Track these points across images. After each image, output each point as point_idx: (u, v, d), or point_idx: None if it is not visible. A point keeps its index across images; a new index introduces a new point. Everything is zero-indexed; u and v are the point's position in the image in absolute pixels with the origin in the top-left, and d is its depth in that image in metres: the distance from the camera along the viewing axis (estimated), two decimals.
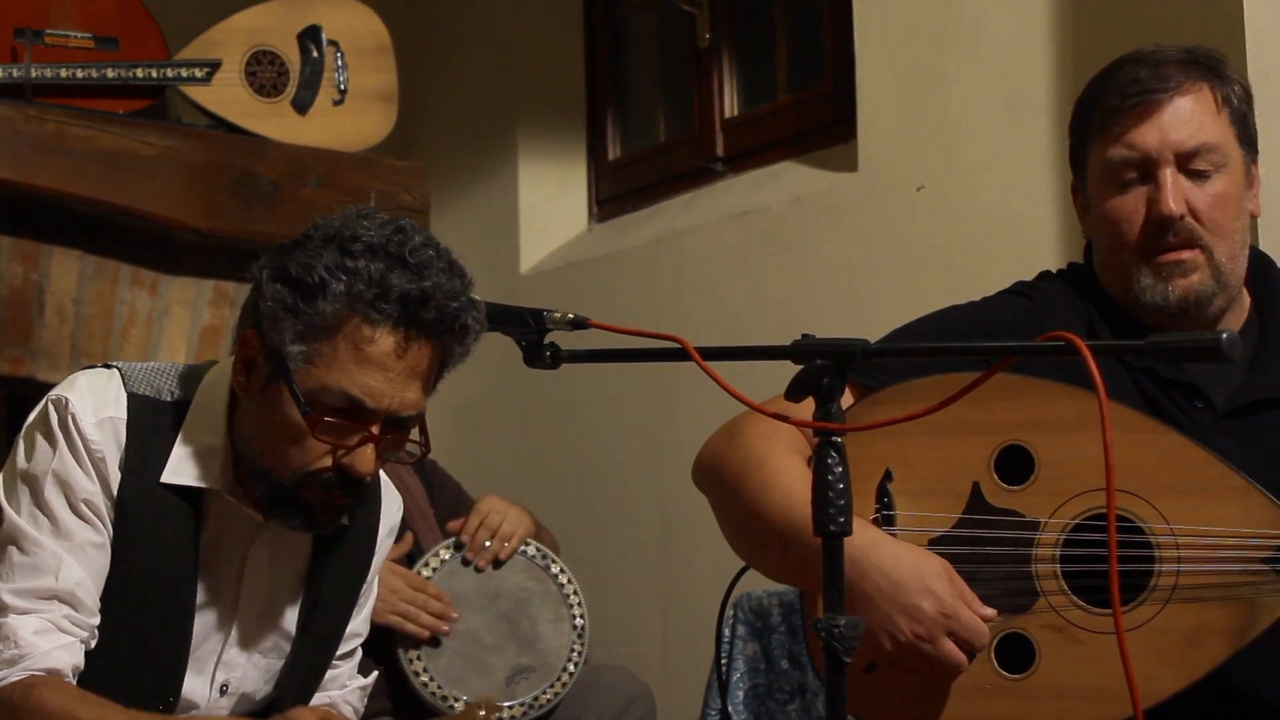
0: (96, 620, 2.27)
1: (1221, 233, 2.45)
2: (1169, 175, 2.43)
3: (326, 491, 2.25)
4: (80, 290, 4.37)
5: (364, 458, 2.22)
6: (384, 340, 2.18)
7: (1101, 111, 2.49)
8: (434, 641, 3.75)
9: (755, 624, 3.97)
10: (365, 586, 2.54)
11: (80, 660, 2.25)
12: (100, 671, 2.27)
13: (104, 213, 4.33)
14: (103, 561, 2.27)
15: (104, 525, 2.27)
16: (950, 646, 2.31)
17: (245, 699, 2.42)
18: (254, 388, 2.27)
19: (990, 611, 2.33)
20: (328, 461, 2.23)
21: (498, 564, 3.87)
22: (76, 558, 2.24)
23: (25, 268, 4.30)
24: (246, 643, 2.39)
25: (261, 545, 2.37)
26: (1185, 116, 2.44)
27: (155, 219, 4.38)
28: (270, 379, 2.23)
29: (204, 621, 2.34)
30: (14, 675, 2.20)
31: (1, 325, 4.25)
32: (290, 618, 2.43)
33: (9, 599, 2.23)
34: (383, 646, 3.73)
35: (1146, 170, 2.45)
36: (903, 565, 2.32)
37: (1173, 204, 2.42)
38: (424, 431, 2.31)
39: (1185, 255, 2.45)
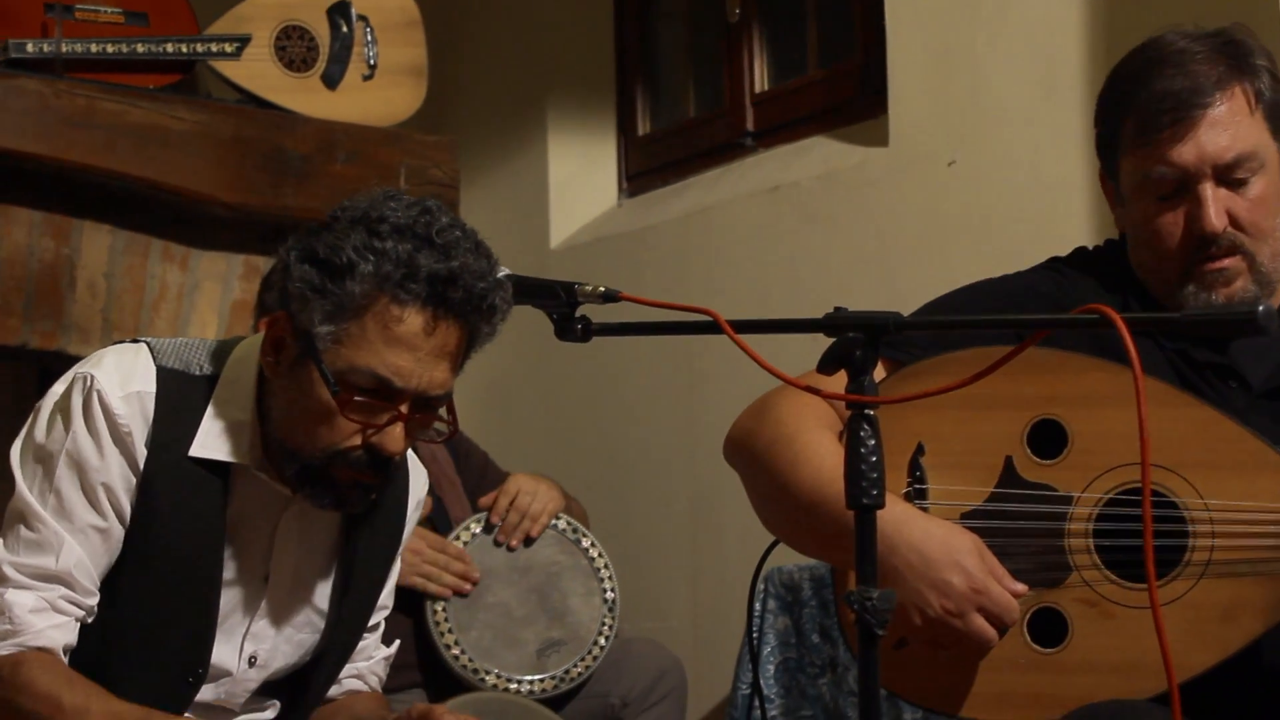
0: (94, 600, 2.28)
1: (1262, 235, 2.43)
2: (1209, 190, 2.40)
3: (356, 471, 2.26)
4: (111, 264, 4.38)
5: (393, 437, 2.23)
6: (412, 320, 2.19)
7: (1135, 123, 2.44)
8: (461, 597, 3.76)
9: (786, 598, 3.97)
10: (394, 559, 2.55)
11: (73, 639, 2.26)
12: (129, 641, 2.29)
13: (134, 187, 4.34)
14: (104, 546, 2.28)
15: (115, 510, 2.28)
16: (980, 622, 2.30)
17: (275, 672, 2.42)
18: (282, 368, 2.28)
19: (1020, 587, 2.32)
20: (357, 441, 2.23)
21: (528, 542, 3.88)
22: (78, 540, 2.25)
23: (56, 242, 4.31)
24: (276, 616, 2.40)
25: (290, 520, 2.37)
26: (1222, 128, 2.39)
27: (185, 194, 4.39)
28: (299, 359, 2.24)
29: (232, 594, 2.35)
30: (4, 650, 2.22)
31: (33, 299, 4.27)
32: (321, 593, 2.43)
33: (10, 572, 2.25)
34: (414, 618, 3.74)
35: (1185, 184, 2.41)
36: (932, 540, 2.31)
37: (1215, 221, 2.39)
38: (451, 411, 2.31)
39: (1228, 263, 2.42)
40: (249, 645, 2.39)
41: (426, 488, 2.60)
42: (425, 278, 2.17)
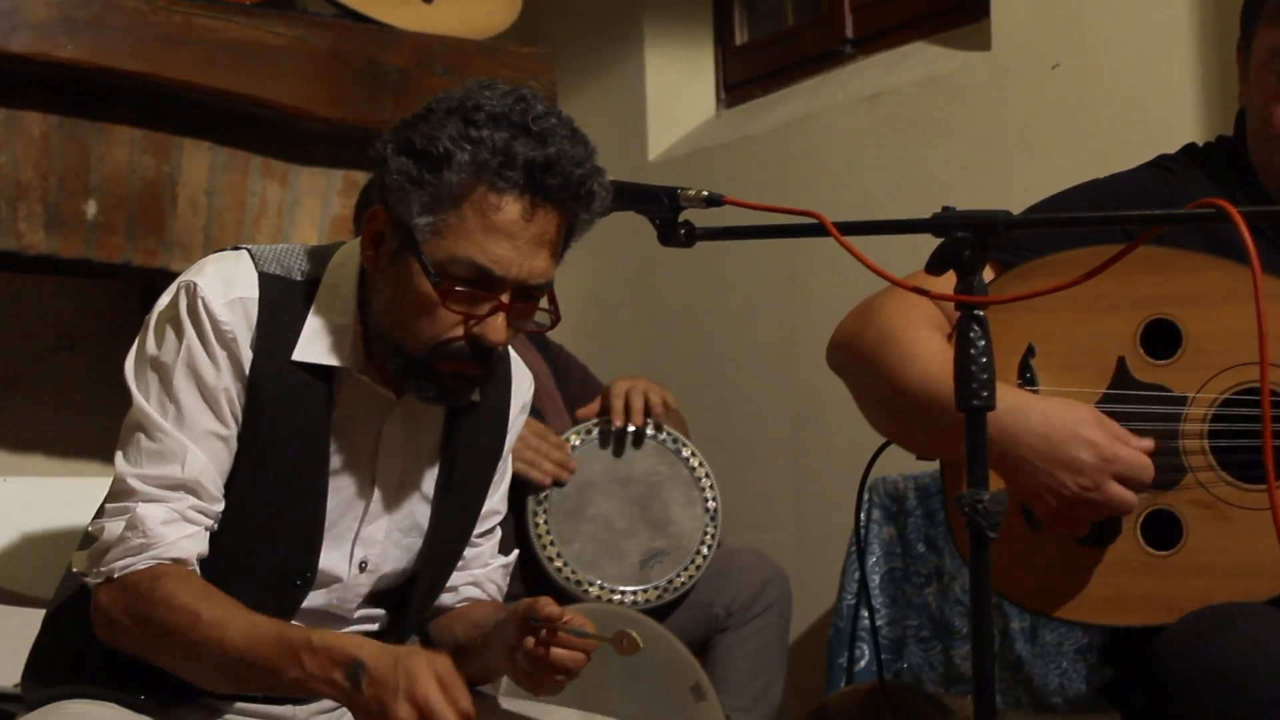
0: (220, 508, 2.29)
1: None
2: None
3: (459, 362, 2.25)
4: (212, 181, 4.40)
5: (495, 327, 2.23)
6: (510, 208, 2.18)
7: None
8: (554, 509, 3.77)
9: (891, 508, 3.95)
10: (500, 463, 2.55)
11: (205, 548, 2.27)
12: (237, 546, 2.30)
13: (233, 104, 4.35)
14: (226, 453, 2.28)
15: (231, 416, 2.28)
16: (1118, 489, 2.28)
17: (385, 577, 2.43)
18: (383, 262, 2.27)
19: (1148, 443, 2.29)
20: (459, 332, 2.23)
21: (639, 439, 3.87)
22: (201, 447, 2.26)
23: (157, 160, 4.33)
24: (384, 520, 2.40)
25: (395, 423, 2.38)
26: None
27: (283, 109, 4.40)
28: (399, 252, 2.24)
29: (339, 498, 2.36)
30: (140, 564, 2.22)
31: (135, 217, 4.29)
32: (427, 495, 2.44)
33: (137, 484, 2.25)
34: (516, 530, 3.75)
35: None
36: (1052, 420, 2.28)
37: None
38: (553, 300, 2.31)
39: None
40: (359, 550, 2.39)
41: (531, 390, 2.59)
42: (522, 165, 2.16)
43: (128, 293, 4.88)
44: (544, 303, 2.29)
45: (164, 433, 2.25)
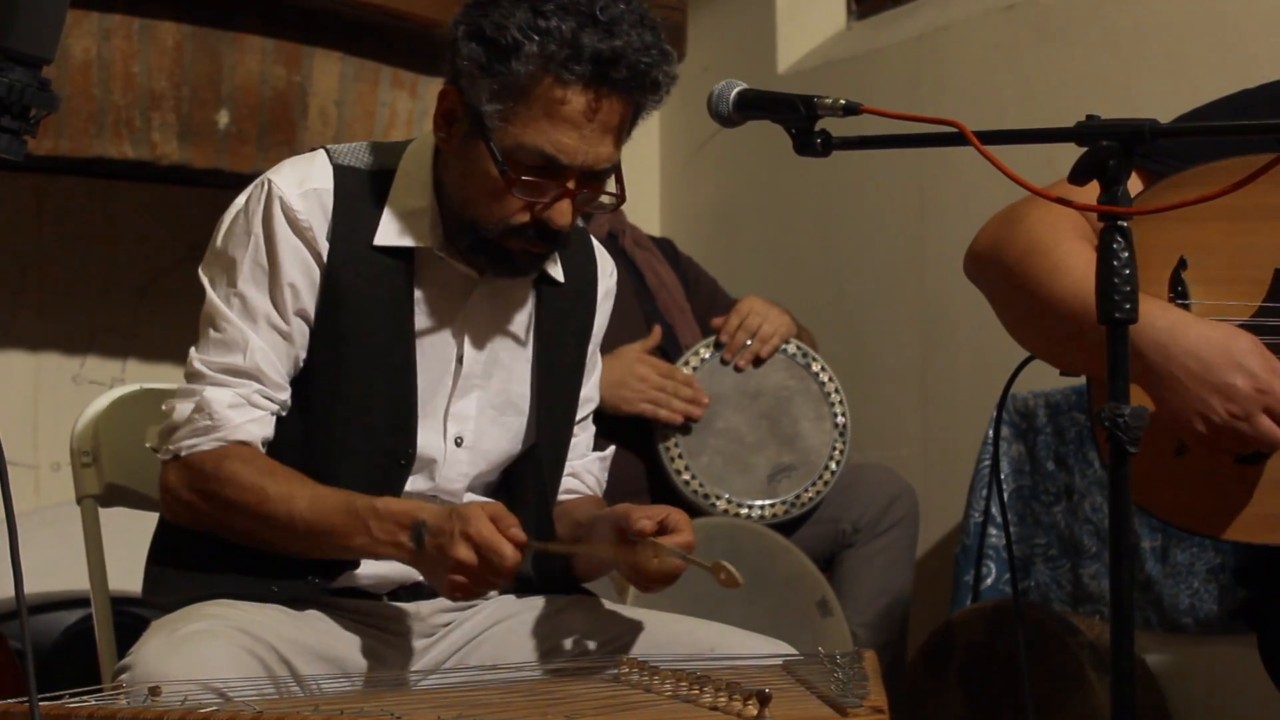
0: (286, 395, 2.35)
1: None
2: None
3: (527, 243, 2.33)
4: (342, 92, 4.41)
5: (561, 211, 2.29)
6: (576, 100, 2.23)
7: None
8: (685, 428, 3.77)
9: (1020, 425, 3.91)
10: (590, 348, 2.59)
11: (270, 432, 2.34)
12: (335, 434, 2.35)
13: (364, 14, 4.36)
14: (288, 346, 2.35)
15: (299, 309, 2.34)
16: (1268, 424, 2.24)
17: (485, 455, 2.46)
18: (454, 142, 2.34)
19: None
20: (526, 216, 2.30)
21: (757, 363, 3.86)
22: (263, 337, 2.33)
23: (288, 70, 4.34)
24: (475, 396, 2.45)
25: (479, 300, 2.43)
26: None
27: (414, 19, 4.40)
28: (469, 134, 2.30)
29: (428, 377, 2.40)
30: (206, 445, 2.30)
31: (266, 127, 4.31)
32: (519, 375, 2.48)
33: (203, 369, 2.33)
34: (645, 445, 3.75)
35: None
36: (1210, 344, 2.24)
37: None
38: (620, 181, 2.36)
39: None
40: (452, 426, 2.43)
41: (614, 277, 2.64)
42: (589, 58, 2.21)
43: None
44: (610, 184, 2.35)
45: (229, 323, 2.34)
